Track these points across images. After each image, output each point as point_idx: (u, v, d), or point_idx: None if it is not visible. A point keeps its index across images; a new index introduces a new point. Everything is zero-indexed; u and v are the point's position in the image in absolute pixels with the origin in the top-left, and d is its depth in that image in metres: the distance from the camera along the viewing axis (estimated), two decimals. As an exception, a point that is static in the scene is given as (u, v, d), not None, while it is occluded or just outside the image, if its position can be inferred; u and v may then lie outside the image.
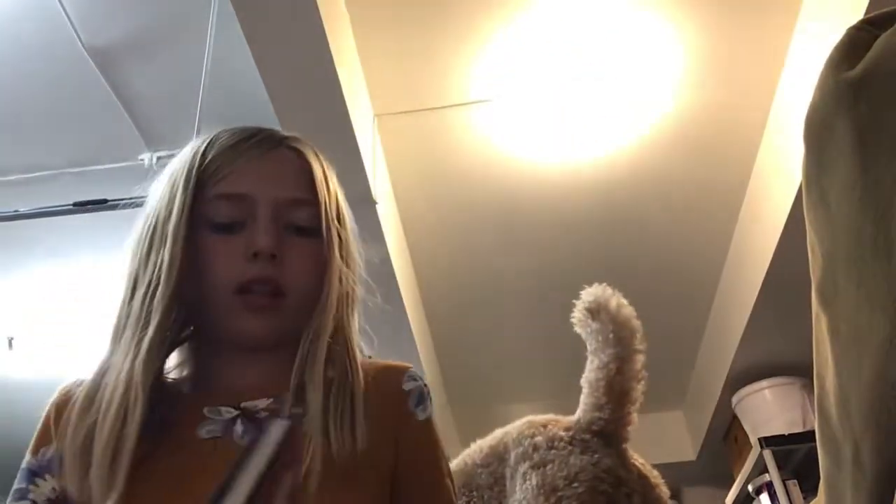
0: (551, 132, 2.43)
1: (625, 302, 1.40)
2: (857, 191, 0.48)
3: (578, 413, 1.39)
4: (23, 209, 2.32)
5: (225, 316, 0.75)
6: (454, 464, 1.47)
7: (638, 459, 1.37)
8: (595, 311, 1.39)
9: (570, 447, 1.31)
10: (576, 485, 1.24)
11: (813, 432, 0.55)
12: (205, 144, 0.80)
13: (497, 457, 1.41)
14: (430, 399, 0.83)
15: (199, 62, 2.00)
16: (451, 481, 0.82)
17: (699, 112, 2.38)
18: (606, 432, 1.34)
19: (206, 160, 0.78)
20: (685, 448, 3.85)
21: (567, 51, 2.18)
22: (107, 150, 2.39)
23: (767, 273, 2.48)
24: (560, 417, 1.42)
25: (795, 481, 2.70)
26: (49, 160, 2.46)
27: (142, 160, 2.37)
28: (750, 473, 2.88)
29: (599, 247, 2.90)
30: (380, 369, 0.82)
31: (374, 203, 2.22)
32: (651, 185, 2.63)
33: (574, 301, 1.48)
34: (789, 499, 2.66)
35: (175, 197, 0.76)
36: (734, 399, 3.12)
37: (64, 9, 2.02)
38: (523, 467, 1.31)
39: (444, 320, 3.27)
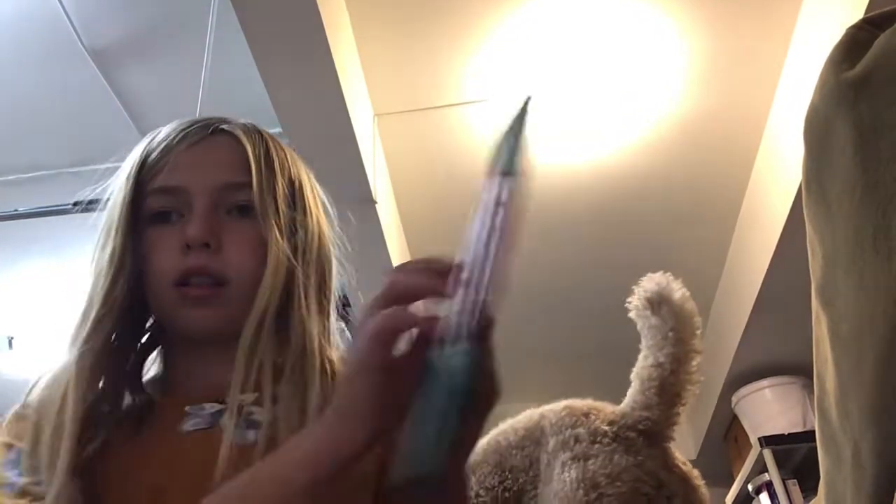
0: (550, 132, 2.43)
1: (688, 294, 1.33)
2: (858, 191, 0.48)
3: (625, 407, 1.34)
4: (23, 209, 2.32)
5: (170, 311, 0.74)
6: (485, 441, 1.43)
7: (680, 458, 1.33)
8: (656, 304, 1.32)
9: (613, 444, 1.27)
10: (618, 484, 1.21)
11: (813, 432, 0.55)
12: (149, 139, 0.81)
13: (533, 440, 1.37)
14: None
15: (199, 62, 2.00)
16: None
17: (699, 112, 2.38)
18: (652, 432, 1.30)
19: (147, 156, 0.78)
20: (685, 448, 3.85)
21: (567, 51, 2.18)
22: (107, 150, 2.38)
23: (767, 273, 2.48)
24: (600, 405, 1.37)
25: (795, 481, 2.70)
26: (49, 160, 2.46)
27: (142, 160, 2.37)
28: (750, 473, 2.88)
29: (599, 247, 2.90)
30: None
31: (374, 203, 2.22)
32: (651, 185, 2.63)
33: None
34: (789, 498, 2.66)
35: (119, 192, 0.77)
36: (734, 399, 3.12)
37: (64, 9, 2.02)
38: (563, 457, 1.28)
39: (444, 320, 3.26)
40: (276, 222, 0.75)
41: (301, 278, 0.76)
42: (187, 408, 0.72)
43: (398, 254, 2.66)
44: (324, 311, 0.80)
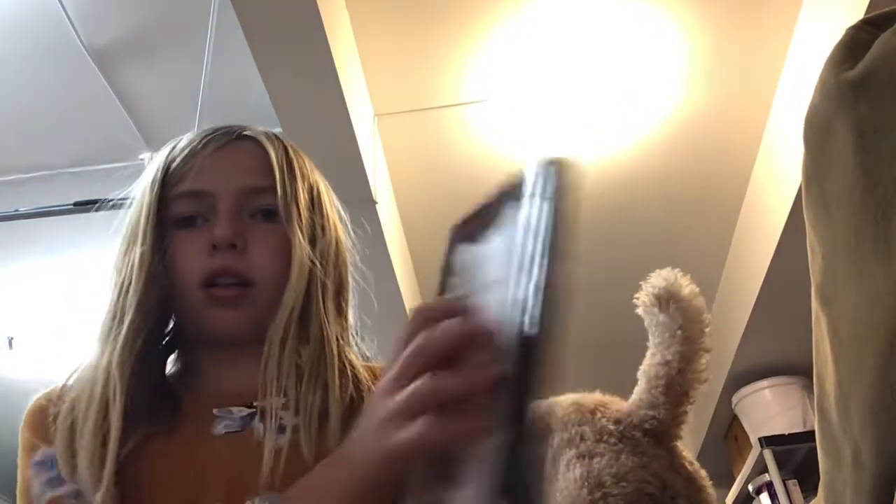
0: (551, 132, 2.43)
1: (696, 290, 1.30)
2: (858, 191, 0.48)
3: (631, 406, 1.33)
4: (23, 209, 2.32)
5: (196, 312, 0.75)
6: None
7: (687, 458, 1.32)
8: (664, 301, 1.29)
9: (619, 444, 1.26)
10: (623, 484, 1.20)
11: (813, 432, 0.55)
12: (171, 146, 0.82)
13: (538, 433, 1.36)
14: None
15: (200, 62, 2.00)
16: None
17: (699, 112, 2.38)
18: (658, 431, 1.29)
19: (171, 162, 0.79)
20: (685, 448, 3.84)
21: (567, 50, 2.18)
22: (107, 150, 2.39)
23: (767, 273, 2.48)
24: (608, 401, 1.35)
25: (795, 481, 2.70)
26: (49, 160, 2.46)
27: (142, 160, 2.37)
28: (750, 473, 2.88)
29: (599, 247, 2.89)
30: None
31: (374, 203, 2.22)
32: (651, 185, 2.63)
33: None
34: (789, 499, 2.66)
35: (144, 198, 0.78)
36: (734, 399, 3.12)
37: (64, 9, 2.02)
38: (567, 455, 1.26)
39: (444, 320, 3.27)
40: (298, 226, 0.77)
41: (321, 281, 0.77)
42: (215, 411, 0.73)
43: (398, 254, 2.66)
44: (342, 313, 0.81)
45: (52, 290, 3.03)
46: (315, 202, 0.82)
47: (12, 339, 3.34)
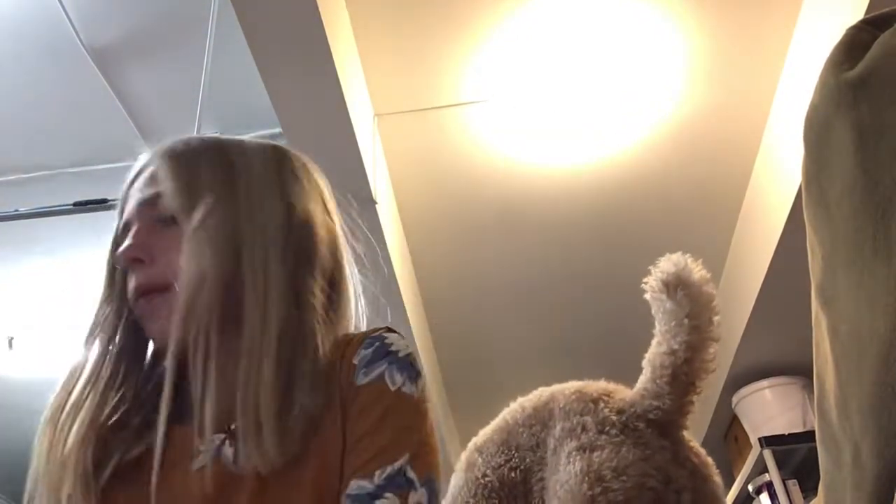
0: (550, 132, 2.43)
1: (707, 276, 1.26)
2: (857, 191, 0.48)
3: (635, 395, 1.28)
4: (23, 209, 2.32)
5: (144, 330, 0.79)
6: (494, 421, 1.42)
7: (693, 449, 1.29)
8: (672, 287, 1.25)
9: (621, 436, 1.21)
10: (624, 478, 1.16)
11: (813, 432, 0.55)
12: None
13: (541, 421, 1.32)
14: (388, 358, 0.74)
15: (200, 62, 2.00)
16: (411, 450, 0.71)
17: (699, 113, 2.38)
18: (662, 422, 1.25)
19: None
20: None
21: (567, 51, 2.18)
22: (107, 150, 2.39)
23: (767, 273, 2.48)
24: (613, 389, 1.32)
25: (795, 481, 2.70)
26: (49, 160, 2.46)
27: (142, 160, 2.37)
28: (750, 473, 2.88)
29: (599, 247, 2.89)
30: (345, 344, 0.77)
31: (374, 203, 2.22)
32: (650, 185, 2.63)
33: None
34: (789, 499, 2.66)
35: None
36: (734, 399, 3.12)
37: (64, 9, 2.02)
38: (569, 446, 1.23)
39: (444, 319, 3.27)
40: (199, 223, 0.74)
41: (247, 275, 0.74)
42: (201, 447, 0.71)
43: (398, 254, 2.66)
44: (289, 301, 0.75)
45: (52, 290, 3.03)
46: (239, 192, 0.78)
47: (12, 339, 3.33)
